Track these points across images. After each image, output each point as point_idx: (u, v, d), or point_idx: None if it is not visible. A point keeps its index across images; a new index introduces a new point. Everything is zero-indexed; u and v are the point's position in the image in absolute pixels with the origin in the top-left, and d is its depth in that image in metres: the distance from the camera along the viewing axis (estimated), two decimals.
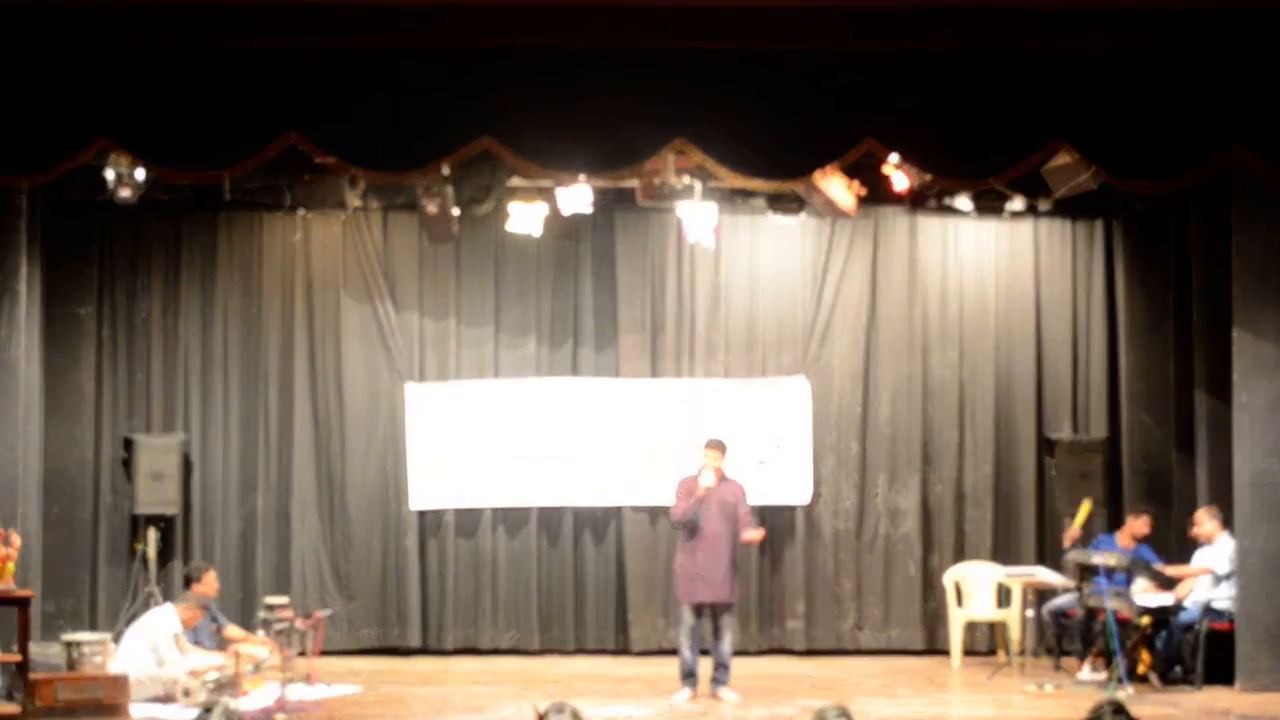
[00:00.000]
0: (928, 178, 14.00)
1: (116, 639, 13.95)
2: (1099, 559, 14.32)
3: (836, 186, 14.78)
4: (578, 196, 14.91)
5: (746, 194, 16.08)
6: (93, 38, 11.68)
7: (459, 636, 16.50)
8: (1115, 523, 15.96)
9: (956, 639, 15.95)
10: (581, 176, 13.54)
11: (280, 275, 16.71)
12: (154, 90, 11.76)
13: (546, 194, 15.52)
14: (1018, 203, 16.10)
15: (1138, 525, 15.34)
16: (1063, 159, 12.87)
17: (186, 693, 13.01)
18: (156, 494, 15.89)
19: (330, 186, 15.14)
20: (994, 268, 16.95)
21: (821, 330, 16.77)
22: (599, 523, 16.62)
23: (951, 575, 16.20)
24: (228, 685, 13.17)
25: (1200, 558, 14.64)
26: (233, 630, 14.74)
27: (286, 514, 16.53)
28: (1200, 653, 14.06)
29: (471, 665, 15.92)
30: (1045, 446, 16.75)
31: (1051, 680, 14.30)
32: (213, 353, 16.57)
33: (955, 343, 16.86)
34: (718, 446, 13.83)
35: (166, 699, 13.18)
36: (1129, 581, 14.31)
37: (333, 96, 11.89)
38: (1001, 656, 15.71)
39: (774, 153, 12.20)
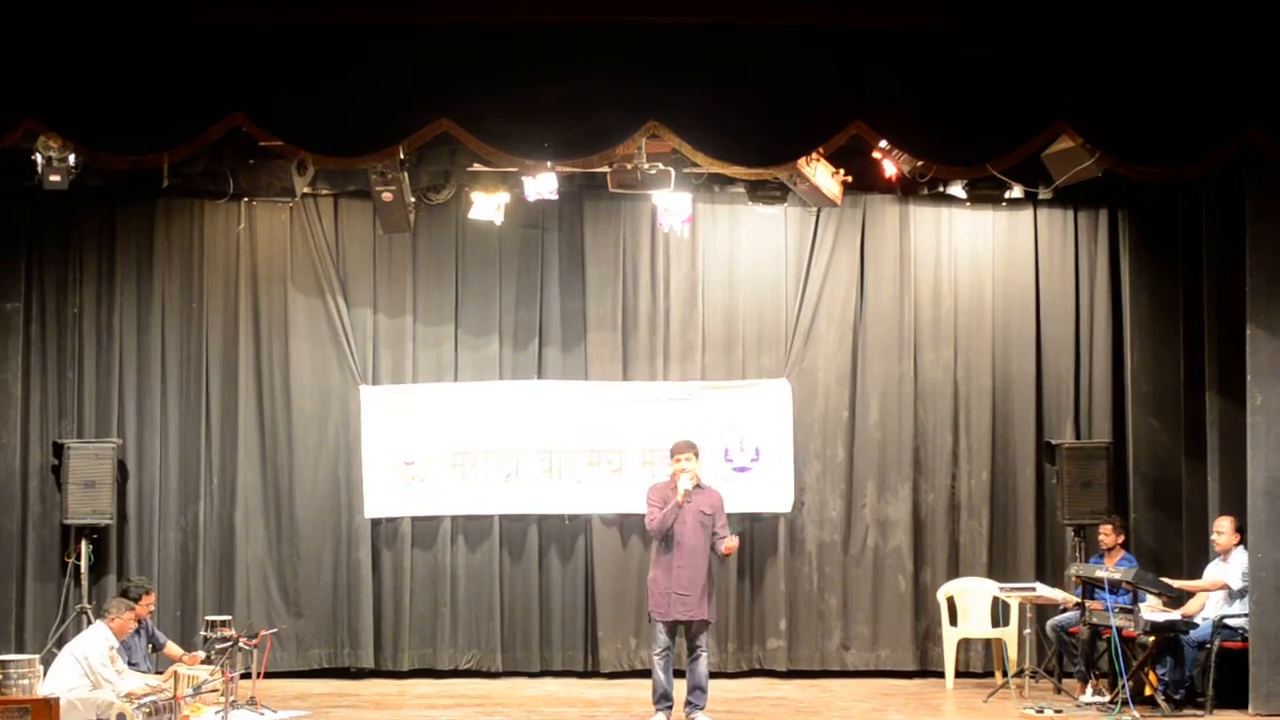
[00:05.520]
0: (919, 164, 14.02)
1: (46, 660, 13.91)
2: (1103, 573, 14.37)
3: (822, 173, 14.81)
4: (543, 183, 14.93)
5: (725, 181, 16.12)
6: (20, 11, 11.64)
7: (415, 657, 16.49)
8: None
9: (950, 659, 15.98)
10: (547, 162, 13.52)
11: (223, 268, 16.68)
12: (87, 68, 11.74)
13: (510, 180, 15.54)
14: (1016, 191, 16.13)
15: (1104, 538, 15.46)
16: (1064, 144, 12.91)
17: (121, 718, 12.96)
18: (89, 503, 15.83)
19: (277, 172, 15.09)
20: (991, 260, 16.99)
21: (805, 328, 16.80)
22: (566, 534, 16.62)
23: (945, 590, 16.22)
24: (166, 709, 13.11)
25: (1213, 571, 14.67)
26: (172, 648, 14.69)
27: (230, 525, 16.49)
28: (1211, 673, 14.08)
29: (429, 688, 15.91)
30: (1046, 452, 16.78)
31: (1052, 703, 14.31)
32: (150, 351, 16.53)
33: (949, 341, 16.90)
34: (690, 449, 13.76)
35: None
36: (1135, 597, 14.33)
37: (280, 75, 11.89)
38: (998, 678, 15.74)
39: (755, 137, 12.22)
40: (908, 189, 16.41)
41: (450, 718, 14.09)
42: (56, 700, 12.78)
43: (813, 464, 16.73)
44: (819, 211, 16.64)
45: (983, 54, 12.02)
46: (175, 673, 13.61)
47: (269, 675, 14.88)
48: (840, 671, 16.56)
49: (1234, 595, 14.40)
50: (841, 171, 15.13)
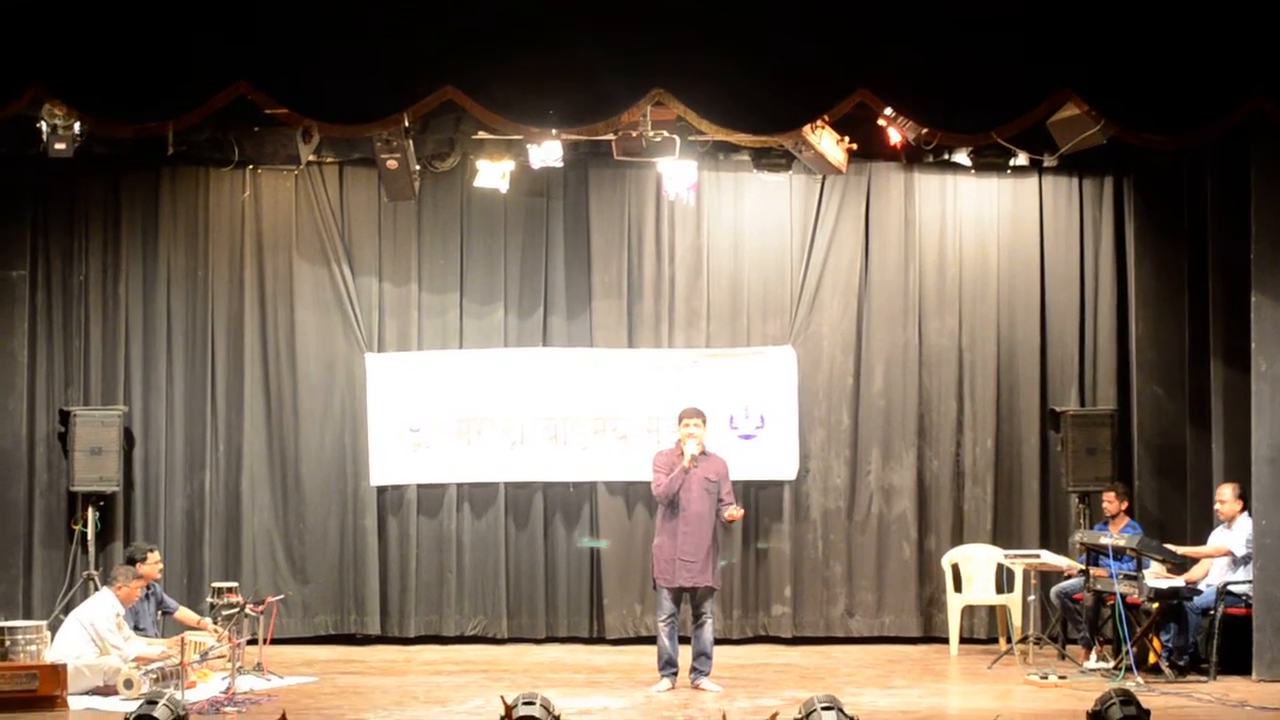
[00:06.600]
0: (924, 132, 14.00)
1: (53, 626, 13.94)
2: (1108, 540, 14.37)
3: (827, 141, 14.79)
4: (548, 151, 14.90)
5: (730, 148, 16.10)
6: None
7: (421, 623, 16.52)
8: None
9: (954, 625, 16.00)
10: (552, 130, 13.51)
11: (228, 236, 16.66)
12: (92, 35, 11.72)
13: (515, 148, 15.54)
14: (1021, 158, 16.09)
15: (1108, 505, 15.46)
16: (1069, 111, 12.88)
17: (129, 683, 12.99)
18: (95, 470, 15.84)
19: (282, 140, 15.08)
20: (996, 228, 16.97)
21: (810, 295, 16.78)
22: (571, 502, 16.63)
23: (949, 557, 16.24)
24: (173, 675, 13.15)
25: (1217, 538, 14.68)
26: (184, 613, 14.70)
27: (236, 492, 16.52)
28: (1215, 640, 14.09)
29: (434, 654, 15.95)
30: (1050, 419, 16.79)
31: (1056, 669, 14.33)
32: (156, 319, 16.53)
33: (954, 308, 16.88)
34: (698, 415, 13.79)
35: (107, 690, 13.16)
36: (1139, 564, 14.33)
37: (285, 43, 11.87)
38: (1002, 644, 15.76)
39: (760, 105, 12.20)
40: (913, 156, 16.40)
41: (456, 684, 14.10)
42: (64, 666, 12.84)
43: (817, 431, 16.73)
44: (824, 179, 16.60)
45: (988, 20, 11.99)
46: (183, 639, 13.63)
47: (275, 641, 14.94)
48: (845, 638, 16.59)
49: (1238, 562, 14.41)
50: (846, 139, 15.11)
